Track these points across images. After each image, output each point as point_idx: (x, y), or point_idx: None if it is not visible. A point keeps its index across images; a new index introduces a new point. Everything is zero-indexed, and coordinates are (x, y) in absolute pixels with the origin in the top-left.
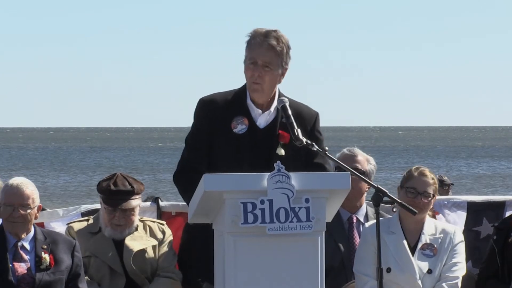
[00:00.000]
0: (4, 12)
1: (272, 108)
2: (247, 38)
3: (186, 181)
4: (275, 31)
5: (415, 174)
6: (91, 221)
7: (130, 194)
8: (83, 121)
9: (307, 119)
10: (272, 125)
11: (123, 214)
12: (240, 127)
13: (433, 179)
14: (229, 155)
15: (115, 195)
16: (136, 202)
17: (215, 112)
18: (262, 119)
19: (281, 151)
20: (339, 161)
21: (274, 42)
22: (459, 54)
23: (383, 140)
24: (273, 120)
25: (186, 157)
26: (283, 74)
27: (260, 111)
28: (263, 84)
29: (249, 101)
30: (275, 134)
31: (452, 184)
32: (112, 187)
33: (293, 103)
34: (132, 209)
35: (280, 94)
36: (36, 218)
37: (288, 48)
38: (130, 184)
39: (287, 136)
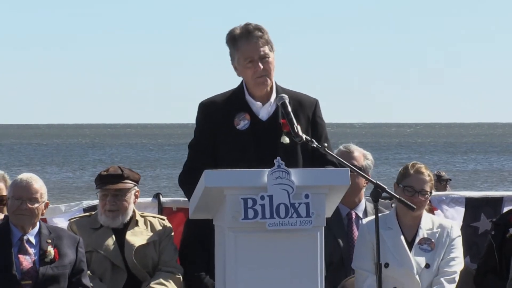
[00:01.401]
0: (18, 12)
1: (272, 99)
2: (230, 42)
3: (190, 182)
4: (249, 23)
5: (412, 171)
6: (92, 216)
7: (120, 177)
8: (84, 118)
9: (308, 106)
10: (275, 115)
11: (115, 198)
12: (242, 123)
13: (429, 175)
14: (235, 153)
15: (105, 178)
16: (127, 185)
17: (216, 113)
18: (264, 111)
19: (286, 139)
20: (338, 157)
21: (259, 33)
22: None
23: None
24: (275, 110)
25: (191, 159)
26: (274, 58)
27: (260, 104)
28: (268, 75)
29: (248, 97)
30: (278, 123)
31: (450, 180)
32: (104, 173)
33: (292, 94)
34: (124, 193)
35: (278, 86)
36: (43, 214)
37: (268, 33)
38: (121, 170)
39: (287, 125)
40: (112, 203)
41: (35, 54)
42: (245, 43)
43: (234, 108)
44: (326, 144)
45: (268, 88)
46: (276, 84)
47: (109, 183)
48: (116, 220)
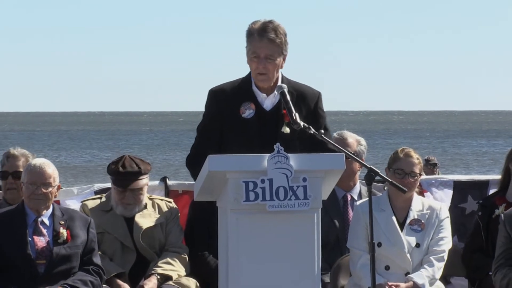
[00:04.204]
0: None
1: (276, 92)
2: (247, 32)
3: (196, 165)
4: (271, 22)
5: (401, 155)
6: (103, 199)
7: (138, 174)
8: (99, 106)
9: (310, 98)
10: (278, 106)
11: (132, 193)
12: (248, 112)
13: (418, 159)
14: (240, 139)
15: (123, 176)
16: (143, 181)
17: (224, 100)
18: (268, 102)
19: (286, 129)
20: (334, 143)
21: (272, 36)
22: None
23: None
24: (278, 101)
25: (197, 143)
26: (284, 60)
27: (265, 95)
28: (268, 74)
29: (254, 88)
30: (281, 114)
31: (437, 164)
32: (121, 169)
33: (296, 85)
34: (140, 189)
35: (283, 78)
36: (55, 196)
37: (285, 36)
38: (137, 165)
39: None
40: (130, 198)
41: (55, 45)
42: (257, 40)
43: (241, 97)
44: (322, 131)
45: (271, 83)
46: (282, 76)
47: (128, 181)
48: (133, 211)
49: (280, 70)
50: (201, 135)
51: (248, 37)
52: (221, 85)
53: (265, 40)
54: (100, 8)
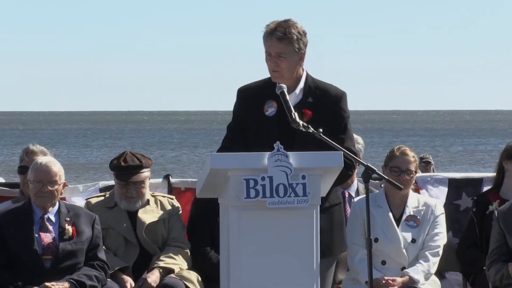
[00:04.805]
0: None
1: (298, 90)
2: (263, 33)
3: None
4: (285, 21)
5: (397, 154)
6: (107, 196)
7: (139, 168)
8: (100, 106)
9: (333, 97)
10: (298, 105)
11: (135, 186)
12: (270, 110)
13: (413, 157)
14: (262, 136)
15: (125, 170)
16: (145, 174)
17: (249, 99)
18: (290, 100)
19: (301, 128)
20: (332, 142)
21: (280, 34)
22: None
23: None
24: (299, 101)
25: (225, 139)
26: (301, 58)
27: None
28: (281, 71)
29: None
30: (300, 112)
31: (431, 162)
32: (123, 163)
33: (320, 84)
34: (142, 182)
35: (308, 76)
36: (61, 193)
37: (300, 34)
38: (138, 159)
39: (309, 114)
40: (133, 191)
41: (61, 46)
42: (268, 39)
43: (265, 95)
44: (321, 130)
45: (287, 81)
46: (307, 74)
47: (130, 174)
48: (136, 205)
49: (304, 68)
50: (229, 131)
51: (263, 37)
52: (248, 84)
53: (274, 39)
54: (102, 8)
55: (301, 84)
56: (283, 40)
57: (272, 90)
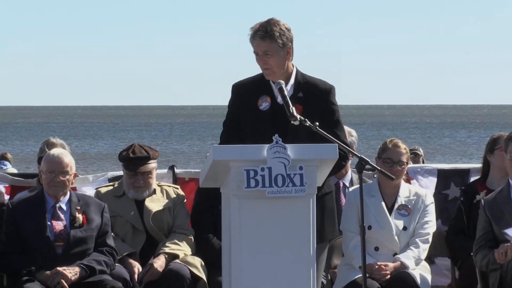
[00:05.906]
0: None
1: (289, 86)
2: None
3: None
4: (267, 21)
5: (390, 146)
6: (116, 185)
7: (147, 159)
8: (105, 100)
9: (322, 91)
10: (290, 100)
11: (142, 176)
12: (264, 104)
13: (405, 149)
14: (256, 130)
15: (134, 160)
16: (152, 165)
17: (244, 94)
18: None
19: (296, 122)
20: (327, 134)
21: (262, 33)
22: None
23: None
24: (290, 96)
25: (222, 134)
26: (288, 53)
27: None
28: (271, 68)
29: (270, 82)
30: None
31: (420, 154)
32: (131, 154)
33: (309, 79)
34: (150, 172)
35: (298, 71)
36: (72, 183)
37: (282, 30)
38: (146, 151)
39: (300, 108)
40: (141, 181)
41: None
42: (253, 40)
43: (259, 90)
44: (317, 123)
45: (279, 77)
46: (296, 70)
47: (138, 165)
48: (144, 194)
49: (294, 64)
50: (225, 127)
51: (249, 40)
52: (242, 80)
53: (257, 39)
54: (108, 8)
55: (292, 80)
56: (265, 38)
57: (265, 85)
